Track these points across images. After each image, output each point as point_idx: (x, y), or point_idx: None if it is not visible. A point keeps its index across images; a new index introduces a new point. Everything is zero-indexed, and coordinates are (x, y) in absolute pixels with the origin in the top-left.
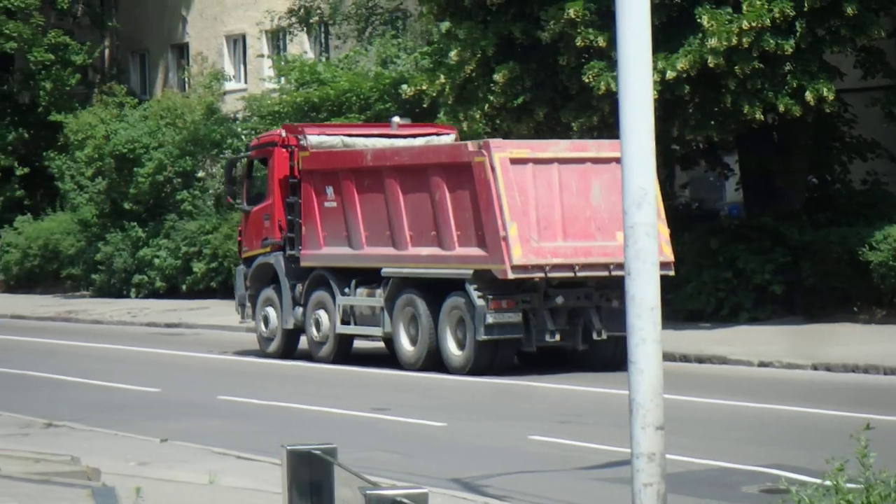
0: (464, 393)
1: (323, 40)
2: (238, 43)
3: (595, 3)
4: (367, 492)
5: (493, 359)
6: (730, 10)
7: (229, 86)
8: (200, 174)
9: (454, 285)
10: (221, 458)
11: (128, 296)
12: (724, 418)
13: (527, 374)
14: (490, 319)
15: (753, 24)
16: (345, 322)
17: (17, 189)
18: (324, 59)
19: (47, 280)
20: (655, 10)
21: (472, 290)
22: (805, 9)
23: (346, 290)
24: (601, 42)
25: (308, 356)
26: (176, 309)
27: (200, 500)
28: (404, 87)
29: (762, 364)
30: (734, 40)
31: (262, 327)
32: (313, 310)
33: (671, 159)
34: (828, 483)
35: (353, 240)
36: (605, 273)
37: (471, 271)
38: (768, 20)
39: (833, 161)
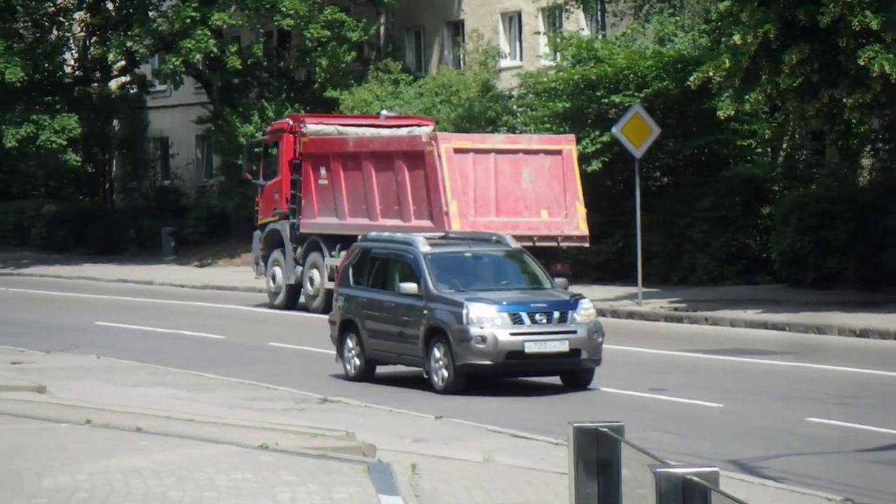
0: (735, 374)
1: (599, 17)
2: (514, 20)
3: None
4: (657, 469)
5: None
6: None
7: (504, 63)
8: None
9: None
10: (496, 435)
11: None
12: None
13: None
14: None
15: None
16: (331, 279)
17: None
18: (600, 37)
19: None
20: None
21: None
22: None
23: (333, 252)
24: (874, 25)
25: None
26: None
27: (475, 478)
28: (693, 77)
29: None
30: None
31: (271, 283)
32: (308, 269)
33: None
34: None
35: (338, 211)
36: (531, 243)
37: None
38: None
39: None
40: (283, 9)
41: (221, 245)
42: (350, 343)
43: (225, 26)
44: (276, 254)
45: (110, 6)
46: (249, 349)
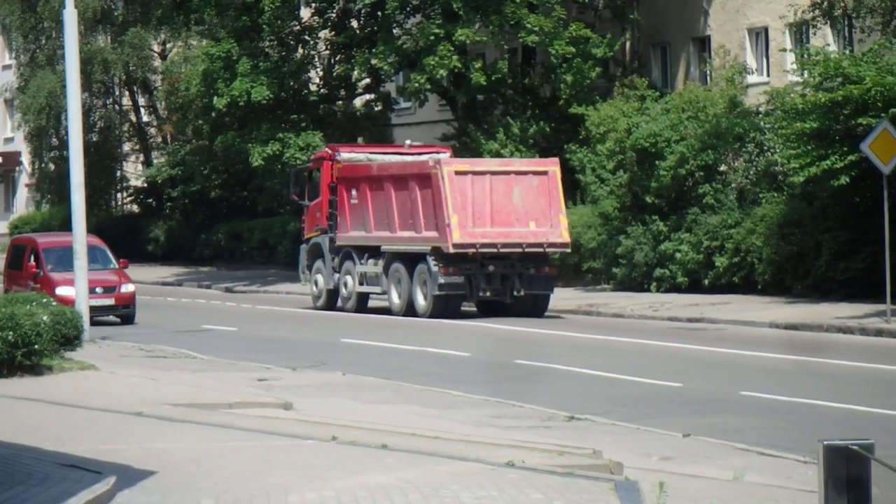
0: None
1: (846, 33)
2: (760, 35)
3: None
4: None
5: (446, 308)
6: None
7: (751, 79)
8: (722, 168)
9: (421, 257)
10: (744, 454)
11: (648, 290)
12: None
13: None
14: (441, 280)
15: None
16: (360, 283)
17: None
18: (847, 53)
19: (568, 273)
20: None
21: (430, 260)
22: None
23: (362, 261)
24: None
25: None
26: (697, 304)
27: (724, 497)
28: None
29: None
30: None
31: (314, 288)
32: (343, 275)
33: None
34: None
35: (366, 226)
36: (520, 250)
37: (429, 248)
38: None
39: None
40: (528, 25)
41: None
42: None
43: (469, 43)
44: (318, 263)
45: (355, 24)
46: (495, 366)
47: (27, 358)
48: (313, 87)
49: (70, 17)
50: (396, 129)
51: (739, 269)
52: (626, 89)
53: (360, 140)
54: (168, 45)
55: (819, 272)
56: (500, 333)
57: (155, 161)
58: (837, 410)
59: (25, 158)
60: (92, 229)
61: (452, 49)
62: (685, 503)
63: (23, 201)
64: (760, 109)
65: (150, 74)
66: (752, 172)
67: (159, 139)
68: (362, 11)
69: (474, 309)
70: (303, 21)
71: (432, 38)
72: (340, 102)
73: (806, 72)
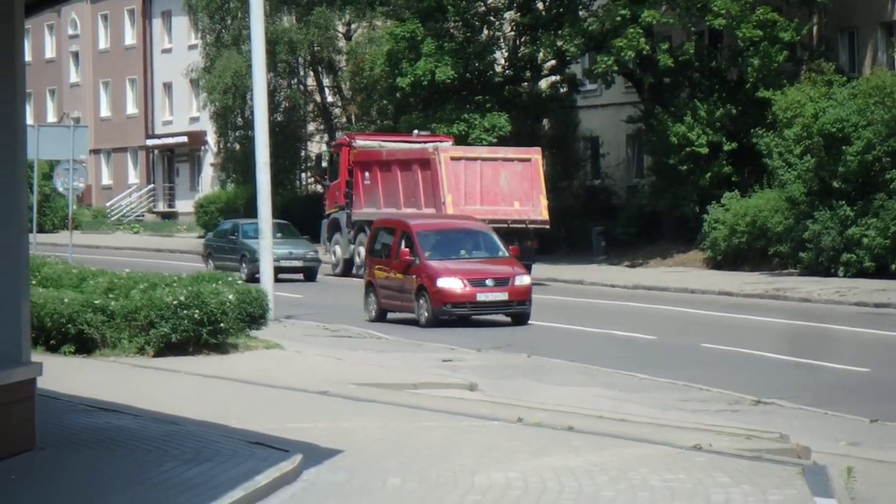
0: None
1: None
2: None
3: None
4: None
5: None
6: None
7: None
8: None
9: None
10: None
11: (835, 274)
12: None
13: None
14: None
15: None
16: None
17: (725, 165)
18: None
19: (754, 257)
20: None
21: None
22: None
23: None
24: None
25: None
26: (885, 289)
27: None
28: None
29: None
30: None
31: (332, 258)
32: (357, 247)
33: None
34: None
35: (376, 203)
36: (505, 225)
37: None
38: None
39: None
40: (715, 8)
41: (653, 245)
42: None
43: (656, 24)
44: (337, 236)
45: (540, 6)
46: (682, 350)
47: (213, 336)
48: (498, 69)
49: None
50: (582, 110)
51: None
52: (812, 74)
53: (545, 122)
54: (353, 26)
55: None
56: (685, 317)
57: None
58: None
59: (211, 138)
60: (277, 209)
61: (640, 32)
62: (873, 488)
63: (208, 180)
64: None
65: (334, 55)
66: None
67: (343, 119)
68: None
69: None
70: (488, 2)
71: (618, 19)
72: (525, 84)
73: None
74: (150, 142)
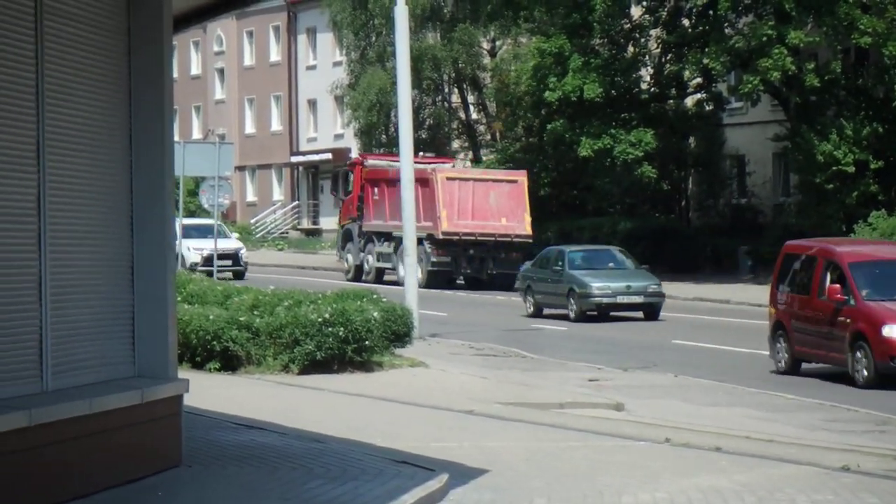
0: None
1: None
2: None
3: None
4: None
5: (436, 281)
6: None
7: None
8: None
9: (420, 241)
10: None
11: None
12: None
13: None
14: (433, 259)
15: None
16: (378, 260)
17: (872, 184)
18: None
19: None
20: None
21: (426, 243)
22: None
23: (379, 243)
24: None
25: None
26: None
27: None
28: None
29: None
30: None
31: (345, 265)
32: (366, 255)
33: None
34: None
35: (383, 216)
36: (493, 239)
37: (426, 234)
38: None
39: None
40: (861, 26)
41: None
42: None
43: (802, 45)
44: (349, 245)
45: (686, 23)
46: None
47: (358, 354)
48: (644, 86)
49: (401, 14)
50: (728, 128)
51: None
52: None
53: (691, 140)
54: (497, 42)
55: None
56: None
57: (484, 158)
58: None
59: (355, 155)
60: None
61: (786, 51)
62: None
63: None
64: None
65: (479, 71)
66: None
67: (488, 136)
68: (694, 10)
69: (462, 282)
70: (633, 19)
71: (764, 38)
72: (671, 101)
73: None
74: (294, 158)
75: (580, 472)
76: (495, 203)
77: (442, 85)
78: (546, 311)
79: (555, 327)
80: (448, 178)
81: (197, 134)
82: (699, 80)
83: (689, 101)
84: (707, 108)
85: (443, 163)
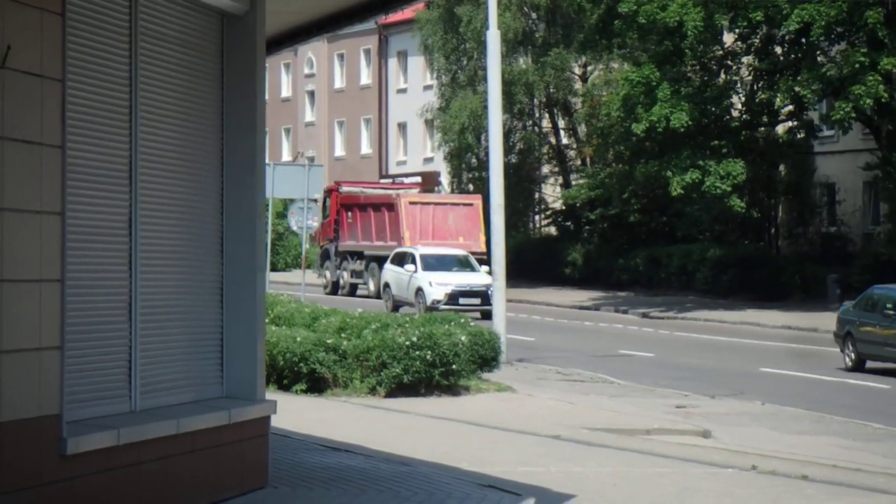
0: None
1: None
2: None
3: None
4: None
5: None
6: None
7: None
8: None
9: (386, 259)
10: None
11: None
12: None
13: None
14: None
15: None
16: (351, 276)
17: None
18: None
19: None
20: None
21: (389, 262)
22: None
23: (353, 261)
24: None
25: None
26: None
27: None
28: None
29: None
30: None
31: (324, 280)
32: (342, 271)
33: None
34: None
35: (355, 237)
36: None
37: (391, 253)
38: None
39: None
40: None
41: None
42: None
43: (895, 71)
44: (327, 263)
45: (778, 50)
46: None
47: (445, 378)
48: (735, 114)
49: (493, 38)
50: (819, 157)
51: None
52: None
53: (781, 168)
54: (589, 68)
55: None
56: None
57: (574, 184)
58: None
59: (444, 178)
60: (510, 251)
61: (880, 78)
62: None
63: None
64: None
65: (570, 97)
66: None
67: (578, 162)
68: (786, 38)
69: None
70: (725, 46)
71: (857, 65)
72: (762, 129)
73: None
74: (384, 181)
75: (667, 498)
76: (453, 224)
77: (532, 109)
78: (870, 363)
79: (643, 353)
80: (411, 203)
81: (286, 156)
82: (790, 107)
83: (780, 129)
84: (798, 136)
85: (408, 188)
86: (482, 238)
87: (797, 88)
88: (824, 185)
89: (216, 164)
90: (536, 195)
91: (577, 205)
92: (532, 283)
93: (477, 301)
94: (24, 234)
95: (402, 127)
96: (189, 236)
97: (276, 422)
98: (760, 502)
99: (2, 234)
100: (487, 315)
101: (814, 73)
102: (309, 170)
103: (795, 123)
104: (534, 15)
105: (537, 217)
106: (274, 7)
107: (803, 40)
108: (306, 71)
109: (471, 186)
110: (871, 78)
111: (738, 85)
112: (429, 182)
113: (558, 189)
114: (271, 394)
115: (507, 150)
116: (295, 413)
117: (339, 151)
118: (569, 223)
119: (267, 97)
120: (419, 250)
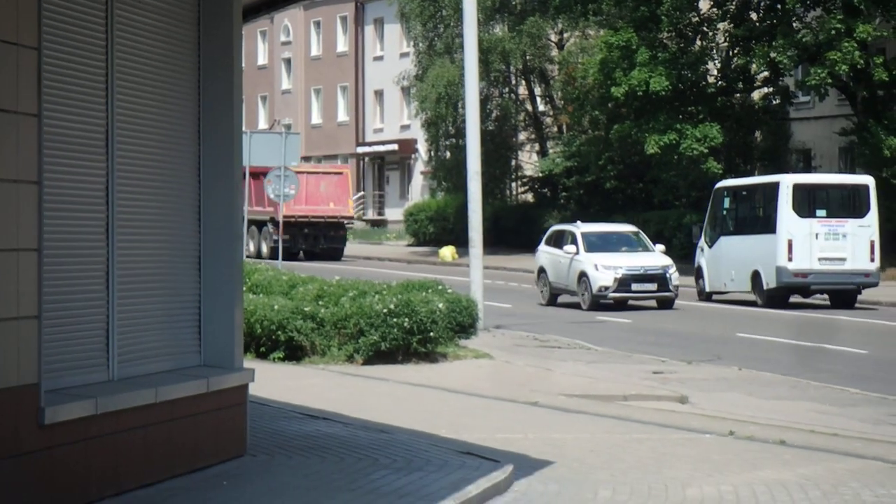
0: None
1: None
2: None
3: None
4: None
5: (279, 254)
6: None
7: None
8: None
9: (265, 223)
10: None
11: None
12: None
13: None
14: (275, 237)
15: None
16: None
17: None
18: None
19: None
20: None
21: (269, 225)
22: None
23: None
24: None
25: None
26: None
27: None
28: None
29: None
30: None
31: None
32: (248, 238)
33: None
34: None
35: (251, 203)
36: (323, 220)
37: (269, 217)
38: None
39: None
40: None
41: None
42: None
43: (870, 38)
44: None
45: (754, 17)
46: (893, 364)
47: (422, 345)
48: (711, 79)
49: (469, 5)
50: (794, 122)
51: None
52: None
53: (757, 134)
54: (565, 35)
55: None
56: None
57: (550, 151)
58: None
59: (421, 146)
60: (486, 219)
61: (855, 45)
62: None
63: (418, 189)
64: None
65: (546, 64)
66: None
67: (555, 129)
68: (762, 4)
69: (302, 256)
70: (701, 13)
71: (832, 32)
72: (738, 95)
73: None
74: (360, 149)
75: (645, 464)
76: (325, 191)
77: (509, 77)
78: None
79: (619, 320)
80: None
81: (263, 124)
82: (766, 73)
83: (756, 95)
84: (774, 102)
85: (328, 172)
86: (351, 203)
87: (773, 54)
88: (800, 150)
89: (193, 133)
90: (513, 162)
91: (554, 172)
92: (509, 250)
93: (653, 287)
94: (1, 203)
95: (379, 94)
96: (166, 204)
97: (254, 390)
98: (738, 467)
99: None
100: (666, 303)
101: (789, 40)
102: (286, 137)
103: (771, 89)
104: None
105: (514, 184)
106: None
107: (779, 6)
108: (283, 38)
109: (448, 154)
110: (847, 44)
111: (714, 51)
112: (406, 150)
113: (535, 156)
114: (249, 362)
115: (484, 117)
116: (273, 381)
117: (316, 119)
118: (545, 190)
119: (243, 65)
120: (580, 227)
